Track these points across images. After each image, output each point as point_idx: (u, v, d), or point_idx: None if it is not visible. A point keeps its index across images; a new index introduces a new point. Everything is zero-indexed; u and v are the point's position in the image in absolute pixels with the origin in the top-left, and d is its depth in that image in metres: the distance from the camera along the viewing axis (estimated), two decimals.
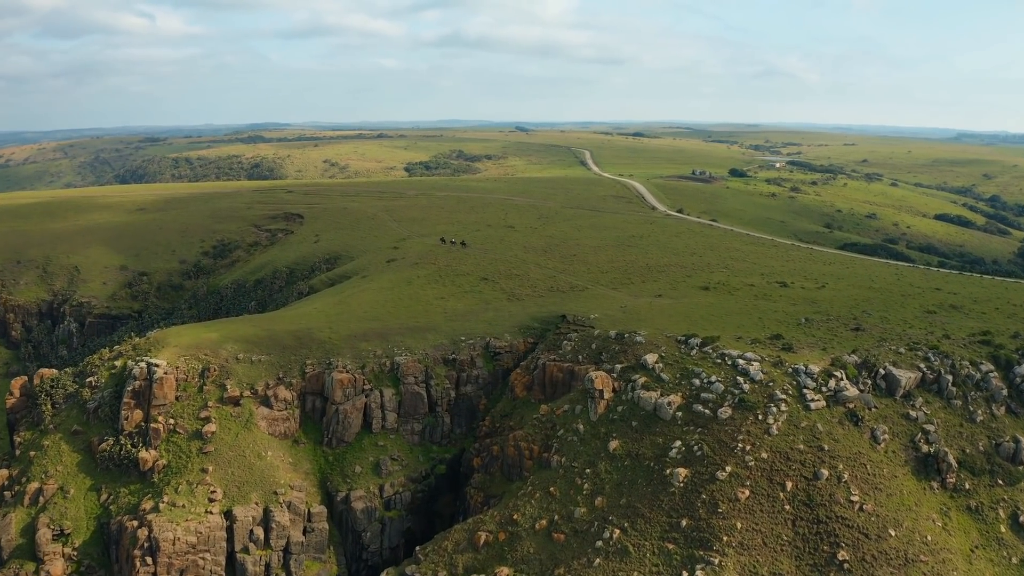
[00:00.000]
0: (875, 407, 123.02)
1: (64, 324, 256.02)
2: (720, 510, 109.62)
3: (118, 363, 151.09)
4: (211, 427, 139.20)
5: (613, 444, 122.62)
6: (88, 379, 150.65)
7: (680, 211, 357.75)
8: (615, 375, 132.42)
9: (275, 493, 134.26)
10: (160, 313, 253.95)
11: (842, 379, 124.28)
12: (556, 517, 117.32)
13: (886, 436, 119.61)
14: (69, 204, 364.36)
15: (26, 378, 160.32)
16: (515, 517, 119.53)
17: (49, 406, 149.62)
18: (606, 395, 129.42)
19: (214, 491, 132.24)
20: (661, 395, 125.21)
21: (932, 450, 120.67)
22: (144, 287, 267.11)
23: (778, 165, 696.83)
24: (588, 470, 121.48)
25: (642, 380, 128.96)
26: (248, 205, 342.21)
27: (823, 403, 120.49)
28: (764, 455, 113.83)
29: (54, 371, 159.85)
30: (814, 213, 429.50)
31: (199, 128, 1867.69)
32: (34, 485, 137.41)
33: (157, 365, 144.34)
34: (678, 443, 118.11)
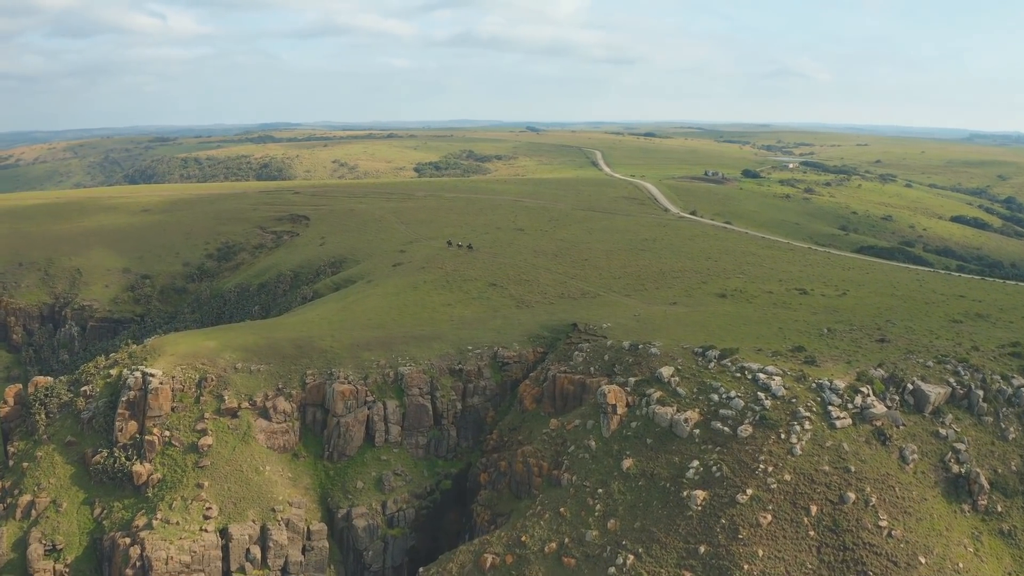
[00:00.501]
0: (903, 425, 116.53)
1: (65, 328, 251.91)
2: (741, 536, 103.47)
3: (113, 372, 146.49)
4: (207, 440, 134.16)
5: (627, 463, 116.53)
6: (83, 388, 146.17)
7: (693, 213, 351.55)
8: (628, 389, 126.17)
9: (273, 510, 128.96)
10: (162, 317, 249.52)
11: (869, 395, 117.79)
12: (566, 540, 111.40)
13: (915, 456, 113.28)
14: (73, 205, 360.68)
15: (20, 386, 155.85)
16: (523, 539, 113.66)
17: (43, 416, 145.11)
18: (619, 410, 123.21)
19: (209, 507, 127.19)
20: (677, 411, 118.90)
21: (963, 470, 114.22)
22: (147, 290, 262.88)
23: (791, 166, 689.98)
24: (600, 490, 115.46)
25: (657, 395, 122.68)
26: (254, 206, 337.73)
27: (849, 421, 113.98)
28: (787, 477, 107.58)
29: (49, 379, 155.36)
30: (829, 215, 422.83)
31: (210, 128, 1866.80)
32: (26, 498, 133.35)
33: (152, 375, 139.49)
34: (695, 463, 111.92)
